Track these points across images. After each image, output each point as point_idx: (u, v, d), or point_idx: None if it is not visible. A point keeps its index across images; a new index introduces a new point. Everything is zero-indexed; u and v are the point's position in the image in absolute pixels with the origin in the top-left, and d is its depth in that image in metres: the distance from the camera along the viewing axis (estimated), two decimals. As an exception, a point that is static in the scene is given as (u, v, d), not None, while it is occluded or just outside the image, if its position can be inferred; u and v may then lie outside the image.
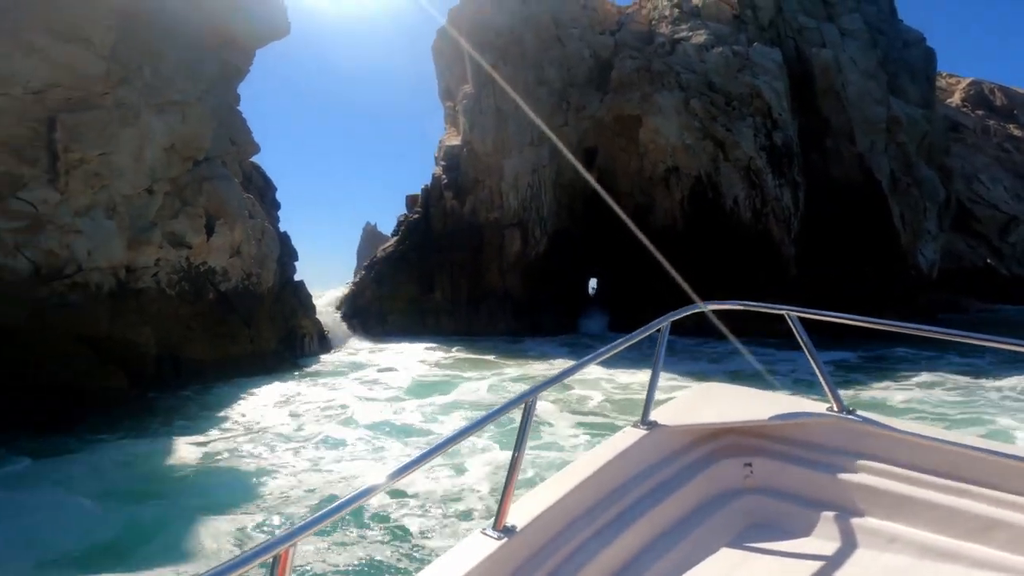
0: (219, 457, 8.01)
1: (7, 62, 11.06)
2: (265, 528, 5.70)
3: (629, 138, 27.20)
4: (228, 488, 6.66)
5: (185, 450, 8.25)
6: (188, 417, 9.89)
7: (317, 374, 15.13)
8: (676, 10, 29.35)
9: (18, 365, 9.57)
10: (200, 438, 8.86)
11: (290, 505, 6.30)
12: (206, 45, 15.18)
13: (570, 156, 25.95)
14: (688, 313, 2.11)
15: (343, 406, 11.11)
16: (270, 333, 15.69)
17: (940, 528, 1.62)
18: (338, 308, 24.53)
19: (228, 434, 9.19)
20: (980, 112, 44.34)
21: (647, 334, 1.99)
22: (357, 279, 27.15)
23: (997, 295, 35.33)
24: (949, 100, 42.72)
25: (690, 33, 27.78)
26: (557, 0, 29.88)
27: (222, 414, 10.32)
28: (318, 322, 19.54)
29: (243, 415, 10.39)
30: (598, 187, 25.21)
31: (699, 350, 18.53)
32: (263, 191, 19.72)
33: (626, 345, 1.90)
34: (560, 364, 17.58)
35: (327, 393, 12.55)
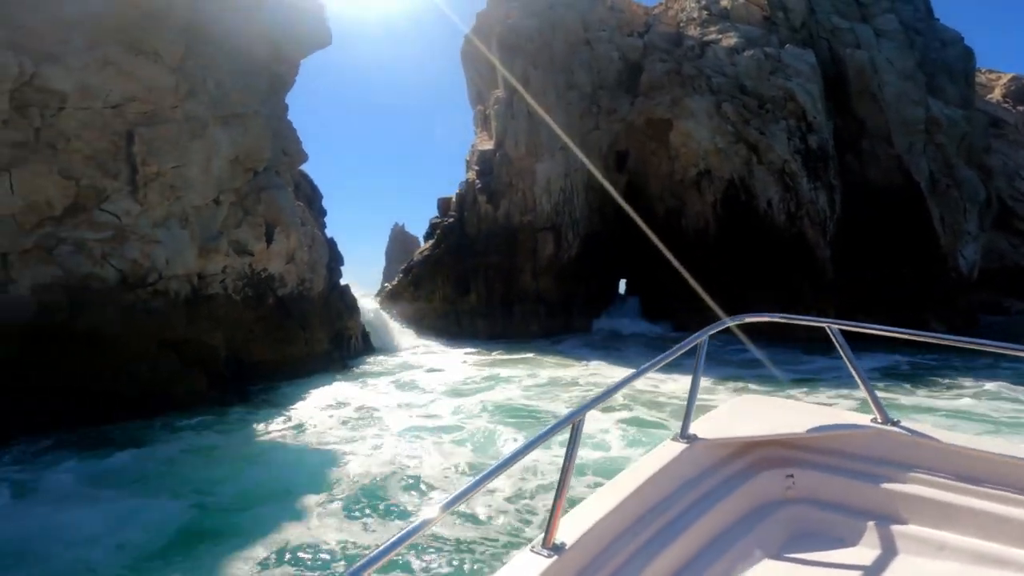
0: (303, 442, 9.09)
1: (87, 75, 11.70)
2: (351, 500, 6.70)
3: (660, 141, 27.36)
4: (316, 465, 8.06)
5: (279, 436, 9.44)
6: (263, 413, 10.71)
7: (369, 374, 15.82)
8: (704, 12, 29.28)
9: (110, 368, 10.37)
10: (287, 424, 10.13)
11: (362, 484, 7.19)
12: (258, 58, 15.93)
13: (593, 168, 26.25)
14: (726, 326, 2.13)
15: (400, 405, 11.72)
16: (322, 335, 16.43)
17: (988, 535, 1.62)
18: (391, 313, 25.05)
19: (305, 425, 10.04)
20: (1021, 108, 43.14)
21: (686, 349, 2.01)
22: (396, 281, 27.87)
23: (1039, 296, 34.41)
24: (989, 96, 41.70)
25: (719, 36, 27.75)
26: (584, 2, 30.10)
27: (292, 410, 11.10)
28: (361, 324, 20.29)
29: (312, 410, 11.14)
30: (620, 199, 25.49)
31: (730, 357, 18.56)
32: (311, 199, 20.51)
33: (667, 360, 1.93)
34: (596, 366, 17.94)
35: (382, 392, 13.21)
